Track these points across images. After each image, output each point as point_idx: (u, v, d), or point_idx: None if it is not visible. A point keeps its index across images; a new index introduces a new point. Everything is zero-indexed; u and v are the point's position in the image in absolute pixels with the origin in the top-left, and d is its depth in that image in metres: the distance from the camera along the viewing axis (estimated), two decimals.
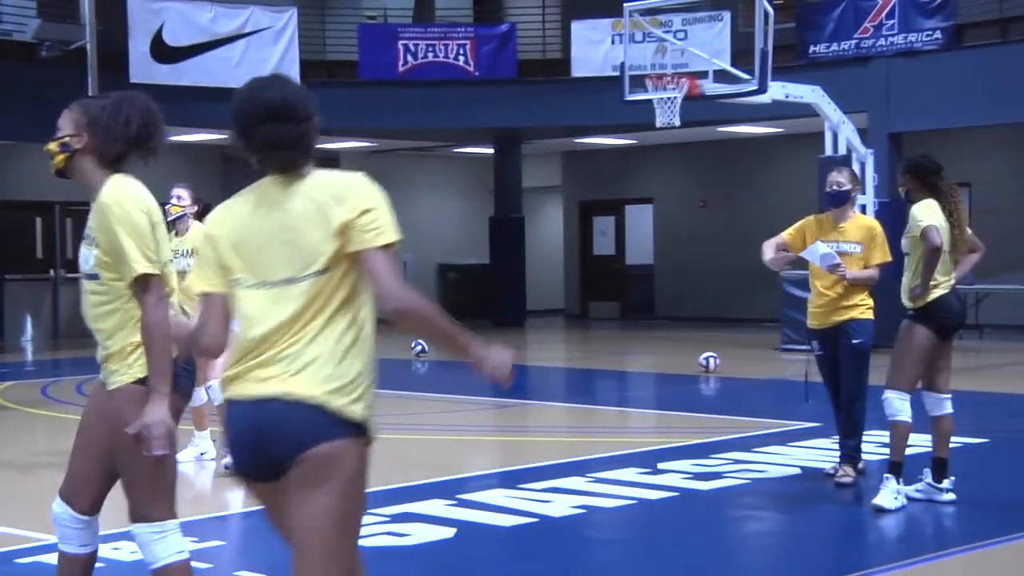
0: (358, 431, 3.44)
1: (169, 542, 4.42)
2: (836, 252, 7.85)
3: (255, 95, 3.55)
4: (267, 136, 3.47)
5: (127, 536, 6.72)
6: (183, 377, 4.44)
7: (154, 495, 4.40)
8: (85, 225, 4.50)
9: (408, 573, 6.19)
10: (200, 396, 8.74)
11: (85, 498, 4.51)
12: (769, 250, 8.08)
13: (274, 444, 3.35)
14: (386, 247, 3.37)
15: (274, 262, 3.45)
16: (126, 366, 4.35)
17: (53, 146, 4.52)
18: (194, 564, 6.16)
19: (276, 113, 3.51)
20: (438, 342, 3.50)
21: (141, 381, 4.31)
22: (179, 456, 8.71)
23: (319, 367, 3.36)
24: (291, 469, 3.35)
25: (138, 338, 4.31)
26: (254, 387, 3.38)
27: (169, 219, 8.40)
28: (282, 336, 3.38)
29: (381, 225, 3.40)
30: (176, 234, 8.49)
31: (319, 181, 3.54)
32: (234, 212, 3.60)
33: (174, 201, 8.49)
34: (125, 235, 4.27)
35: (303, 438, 3.33)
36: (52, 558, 6.24)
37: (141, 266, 4.25)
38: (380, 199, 3.44)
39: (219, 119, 20.15)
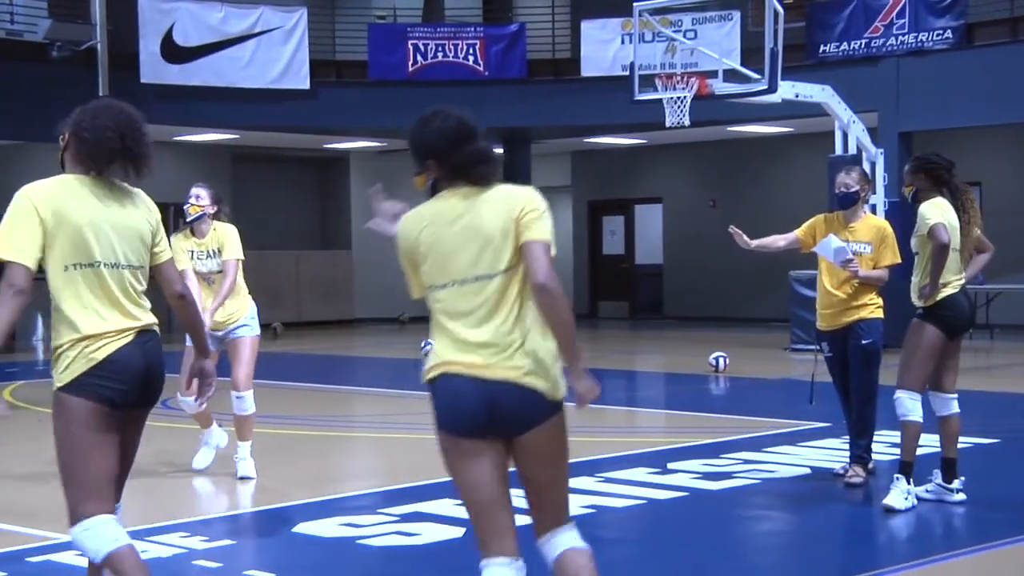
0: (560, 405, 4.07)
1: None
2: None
3: (443, 123, 4.11)
4: (471, 154, 4.07)
5: (137, 535, 6.75)
6: None
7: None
8: None
9: (418, 572, 6.18)
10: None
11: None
12: (781, 241, 8.11)
13: (504, 417, 4.00)
14: (543, 241, 4.01)
15: (468, 263, 4.03)
16: (56, 372, 4.40)
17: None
18: (203, 563, 6.20)
19: (466, 136, 4.10)
20: (557, 332, 3.99)
21: (61, 388, 4.34)
22: (197, 462, 8.76)
23: (521, 352, 4.00)
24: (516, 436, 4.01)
25: (61, 341, 4.34)
26: (477, 370, 4.01)
27: (188, 219, 8.37)
28: (484, 325, 4.01)
29: (544, 225, 4.04)
30: (194, 234, 8.42)
31: (503, 192, 4.10)
32: (424, 221, 4.11)
33: (192, 201, 8.33)
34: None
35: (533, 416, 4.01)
36: (62, 557, 6.26)
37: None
38: (546, 208, 4.09)
39: (229, 118, 20.36)
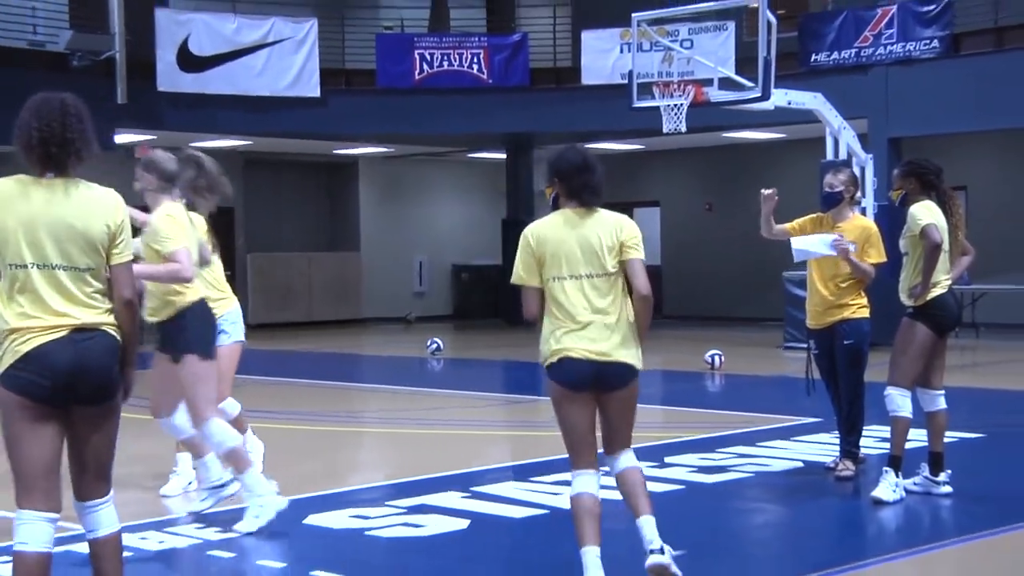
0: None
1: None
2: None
3: (574, 156, 5.47)
4: (588, 182, 5.40)
5: (153, 526, 6.76)
6: None
7: None
8: None
9: (423, 563, 6.19)
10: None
11: None
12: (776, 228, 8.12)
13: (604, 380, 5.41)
14: (641, 259, 5.37)
15: (581, 263, 5.33)
16: None
17: None
18: (218, 554, 6.20)
19: (586, 169, 5.42)
20: (642, 325, 5.48)
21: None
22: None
23: (621, 335, 5.39)
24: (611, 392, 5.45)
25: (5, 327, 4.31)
26: (588, 343, 5.34)
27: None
28: (593, 311, 5.33)
29: (639, 246, 5.43)
30: None
31: (605, 217, 5.45)
32: (551, 228, 5.40)
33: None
34: None
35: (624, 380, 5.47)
36: (82, 548, 6.26)
37: None
38: (639, 232, 5.49)
39: (242, 125, 20.36)
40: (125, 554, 4.74)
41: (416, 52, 21.03)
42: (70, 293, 4.32)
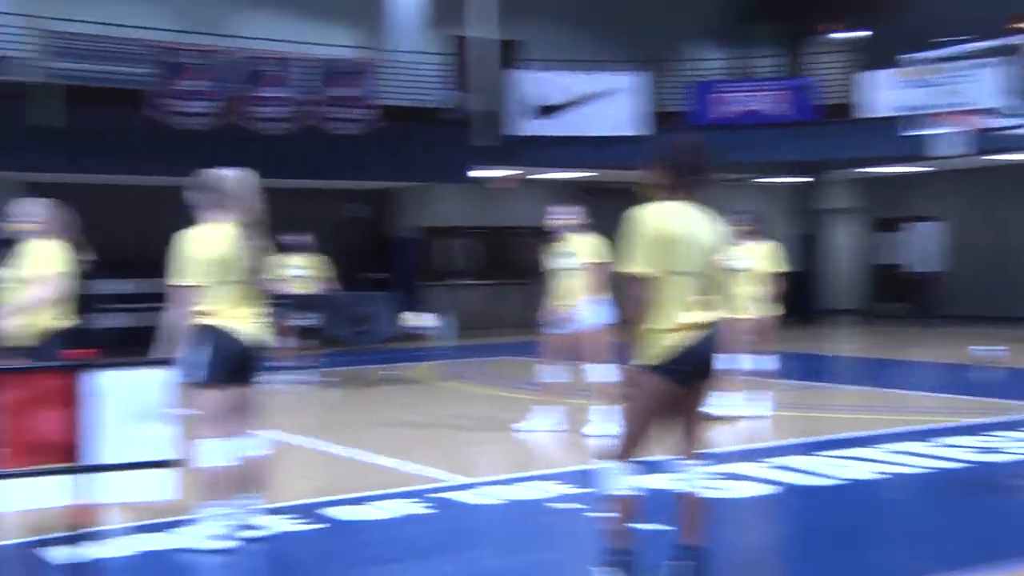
0: None
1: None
2: None
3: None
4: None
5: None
6: None
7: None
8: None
9: (734, 518, 6.06)
10: (558, 374, 8.83)
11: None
12: None
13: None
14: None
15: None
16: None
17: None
18: (560, 506, 6.30)
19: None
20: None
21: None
22: (520, 426, 8.97)
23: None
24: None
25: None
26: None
27: (553, 230, 8.87)
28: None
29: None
30: (559, 239, 8.85)
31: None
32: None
33: (553, 217, 8.95)
34: None
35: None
36: (459, 495, 6.52)
37: None
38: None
39: (579, 160, 20.68)
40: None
41: (722, 94, 20.79)
42: (697, 296, 4.45)
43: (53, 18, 15.97)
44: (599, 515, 4.57)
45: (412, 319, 12.79)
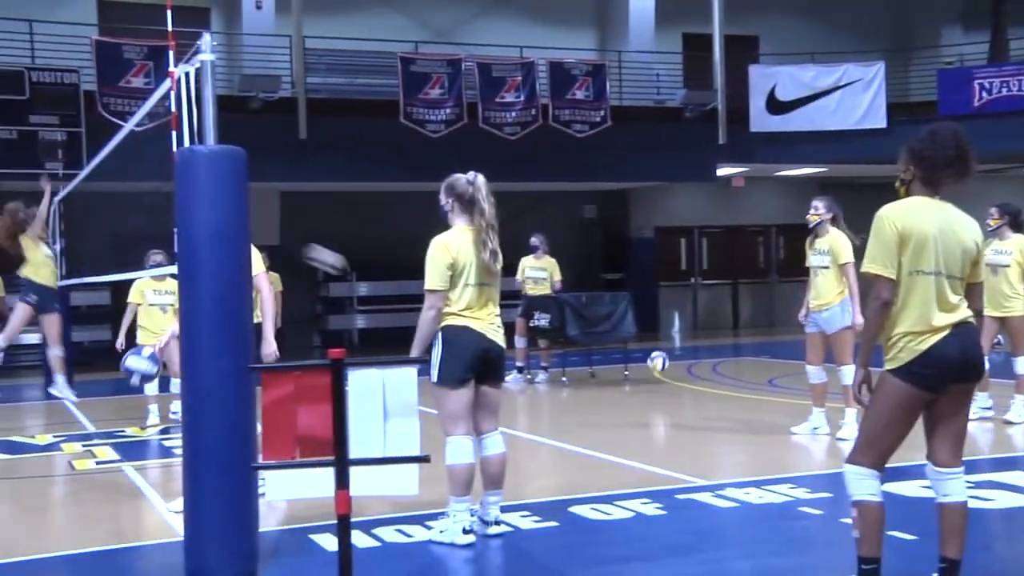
0: None
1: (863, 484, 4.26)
2: None
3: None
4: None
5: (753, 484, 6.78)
6: None
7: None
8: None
9: (993, 529, 5.71)
10: (821, 375, 8.58)
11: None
12: None
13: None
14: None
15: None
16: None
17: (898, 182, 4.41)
18: (808, 511, 6.12)
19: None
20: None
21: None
22: (796, 429, 8.75)
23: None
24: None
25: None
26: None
27: (811, 225, 8.59)
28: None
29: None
30: (816, 236, 8.54)
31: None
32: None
33: (812, 212, 8.58)
34: None
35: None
36: (701, 496, 6.45)
37: None
38: None
39: (818, 155, 20.02)
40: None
41: (976, 82, 19.55)
42: (947, 297, 4.19)
43: (309, 36, 16.94)
44: (848, 521, 4.39)
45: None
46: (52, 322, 10.19)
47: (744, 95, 19.39)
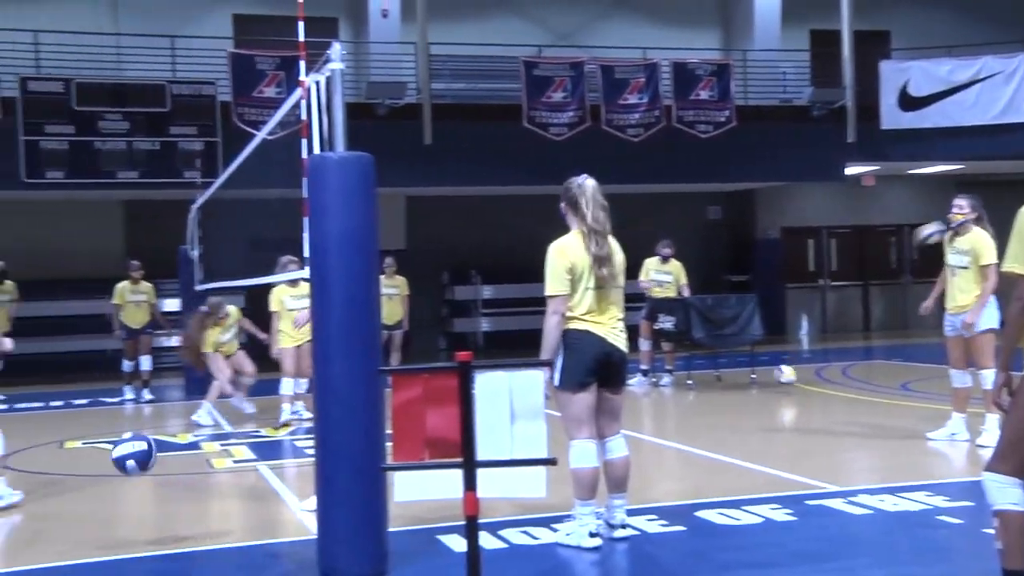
0: None
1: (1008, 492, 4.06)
2: None
3: None
4: None
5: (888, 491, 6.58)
6: None
7: None
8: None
9: None
10: (965, 379, 8.27)
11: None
12: None
13: None
14: None
15: None
16: None
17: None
18: (946, 519, 5.91)
19: None
20: None
21: None
22: (932, 435, 8.46)
23: None
24: None
25: None
26: None
27: (952, 225, 8.27)
28: None
29: None
30: (957, 235, 8.25)
31: None
32: None
33: (955, 210, 8.27)
34: None
35: None
36: (833, 503, 6.29)
37: None
38: None
39: (955, 152, 19.34)
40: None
41: None
42: None
43: (434, 43, 17.17)
44: (991, 532, 4.22)
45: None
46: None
47: (874, 92, 18.85)
